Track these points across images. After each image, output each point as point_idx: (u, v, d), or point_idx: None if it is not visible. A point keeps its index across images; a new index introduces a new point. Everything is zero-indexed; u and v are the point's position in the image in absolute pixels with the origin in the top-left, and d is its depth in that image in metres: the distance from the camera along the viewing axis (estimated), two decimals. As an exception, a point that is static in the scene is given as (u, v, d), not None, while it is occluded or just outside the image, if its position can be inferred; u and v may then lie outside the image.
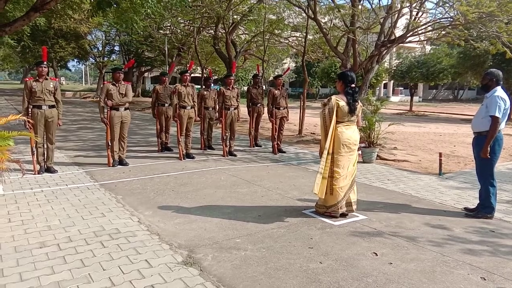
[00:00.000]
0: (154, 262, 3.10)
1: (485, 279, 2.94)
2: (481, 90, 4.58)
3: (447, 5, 9.03)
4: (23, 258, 3.13)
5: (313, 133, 11.94)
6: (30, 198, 4.76)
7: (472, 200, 4.94)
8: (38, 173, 5.94)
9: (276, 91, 8.43)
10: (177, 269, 3.00)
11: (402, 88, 40.65)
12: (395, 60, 28.07)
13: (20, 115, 4.93)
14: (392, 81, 37.98)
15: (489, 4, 7.63)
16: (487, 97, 4.33)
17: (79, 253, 3.23)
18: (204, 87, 8.85)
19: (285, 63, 33.93)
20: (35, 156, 5.98)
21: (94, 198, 4.80)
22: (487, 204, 4.35)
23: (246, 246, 3.46)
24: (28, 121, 5.58)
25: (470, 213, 4.46)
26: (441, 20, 9.34)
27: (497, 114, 4.16)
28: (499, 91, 4.26)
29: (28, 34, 18.29)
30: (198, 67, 20.67)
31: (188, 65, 11.16)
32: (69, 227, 3.81)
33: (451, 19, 8.89)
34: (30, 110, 5.89)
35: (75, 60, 36.88)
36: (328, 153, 4.10)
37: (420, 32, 9.57)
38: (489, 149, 4.22)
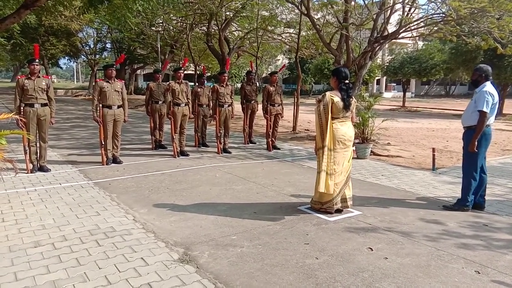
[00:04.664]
0: (150, 260, 3.10)
1: (479, 273, 2.97)
2: (471, 85, 4.65)
3: (439, 0, 9.06)
4: (18, 257, 3.11)
5: (307, 130, 11.96)
6: (23, 197, 4.72)
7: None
8: (31, 172, 5.89)
9: (271, 88, 8.43)
10: (173, 267, 3.00)
11: (395, 84, 40.80)
12: (387, 56, 28.22)
13: (12, 113, 4.87)
14: (385, 77, 38.03)
15: (481, 0, 7.67)
16: (476, 92, 4.40)
17: (75, 252, 3.22)
18: (197, 84, 8.82)
19: (278, 59, 33.96)
20: (28, 155, 5.93)
21: (88, 197, 4.77)
22: (464, 197, 4.43)
23: (242, 243, 3.46)
24: (21, 120, 5.52)
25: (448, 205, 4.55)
26: (433, 16, 9.37)
27: (484, 109, 4.22)
28: (488, 87, 4.32)
29: (19, 32, 18.09)
30: (191, 64, 20.55)
31: (181, 62, 11.10)
32: (64, 226, 3.79)
33: (443, 15, 8.92)
34: (22, 108, 5.83)
35: (67, 57, 36.57)
36: (329, 149, 4.10)
37: (412, 28, 9.59)
38: (476, 143, 4.28)
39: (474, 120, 4.33)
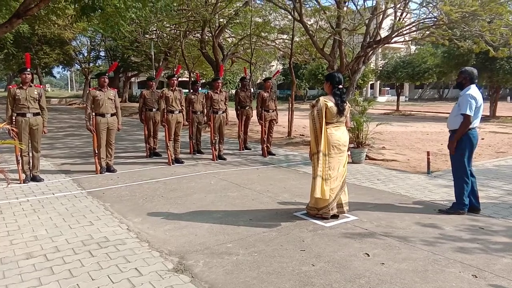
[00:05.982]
0: (144, 270, 3.05)
1: (476, 277, 2.95)
2: (457, 87, 4.68)
3: (431, 5, 9.14)
4: (9, 270, 3.05)
5: (302, 135, 11.96)
6: (15, 208, 4.65)
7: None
8: (24, 182, 5.82)
9: (265, 94, 8.44)
10: (168, 277, 2.95)
11: (389, 88, 41.06)
12: (381, 60, 28.36)
13: (4, 123, 4.82)
14: (378, 82, 38.34)
15: (472, 4, 7.73)
16: (461, 95, 4.42)
17: (67, 263, 3.16)
18: (191, 91, 8.80)
19: (272, 65, 34.04)
20: (20, 165, 5.86)
21: (81, 207, 4.72)
22: (459, 200, 4.43)
23: (237, 251, 3.42)
24: (12, 130, 5.46)
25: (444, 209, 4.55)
26: (425, 20, 9.44)
27: (467, 112, 4.24)
28: (472, 90, 4.35)
29: (11, 41, 18.02)
30: (185, 71, 20.55)
31: (175, 69, 11.08)
32: (56, 237, 3.73)
33: (435, 19, 8.99)
34: (14, 118, 5.77)
35: (60, 66, 36.50)
36: (323, 154, 4.09)
37: (405, 32, 9.65)
38: (456, 145, 4.32)
39: (458, 123, 4.35)
